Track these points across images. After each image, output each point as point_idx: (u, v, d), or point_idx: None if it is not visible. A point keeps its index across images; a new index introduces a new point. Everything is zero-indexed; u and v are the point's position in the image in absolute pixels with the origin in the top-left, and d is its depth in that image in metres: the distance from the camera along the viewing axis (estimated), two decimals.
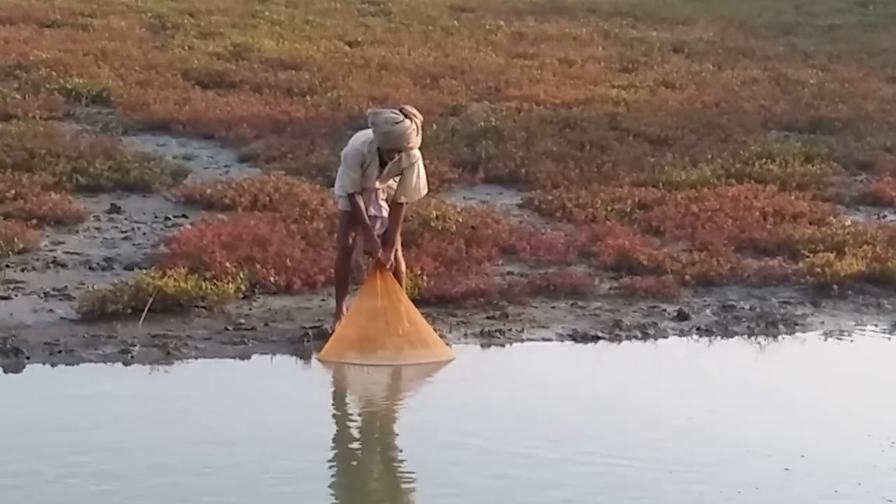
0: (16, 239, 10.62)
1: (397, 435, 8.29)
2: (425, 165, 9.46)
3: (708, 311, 10.28)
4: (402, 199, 9.25)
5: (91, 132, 14.11)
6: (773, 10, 24.50)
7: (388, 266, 9.21)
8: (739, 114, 16.07)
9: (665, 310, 10.24)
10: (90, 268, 10.42)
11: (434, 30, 20.86)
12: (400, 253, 9.45)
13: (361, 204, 9.17)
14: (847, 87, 17.73)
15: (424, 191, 9.39)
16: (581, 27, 21.64)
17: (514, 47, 19.75)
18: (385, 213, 9.29)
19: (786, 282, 10.94)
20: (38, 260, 10.50)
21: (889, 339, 10.04)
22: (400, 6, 23.06)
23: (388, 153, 9.08)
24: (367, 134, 9.17)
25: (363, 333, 9.10)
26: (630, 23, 22.44)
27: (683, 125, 15.27)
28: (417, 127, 9.04)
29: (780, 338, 9.94)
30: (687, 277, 10.76)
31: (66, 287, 9.95)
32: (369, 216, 9.23)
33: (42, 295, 9.81)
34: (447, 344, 9.33)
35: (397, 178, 9.26)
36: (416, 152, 9.17)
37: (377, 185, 9.23)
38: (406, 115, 9.01)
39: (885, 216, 12.79)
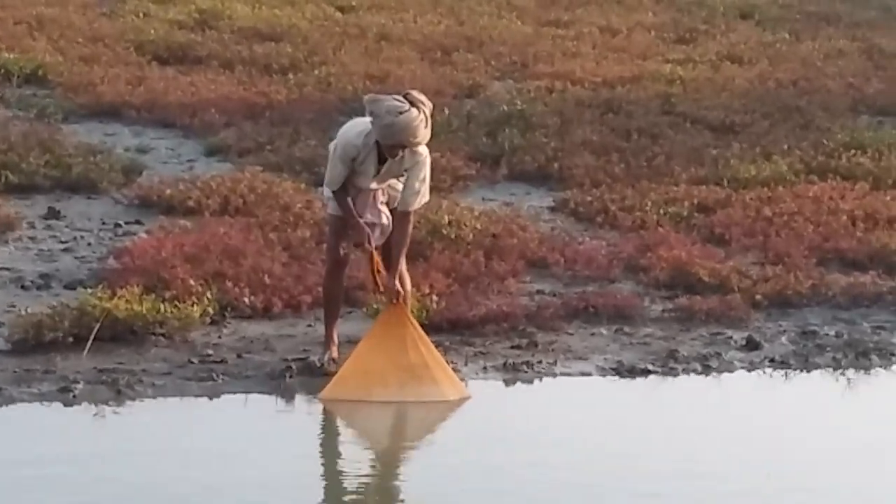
0: None
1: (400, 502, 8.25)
2: (434, 159, 9.46)
3: (784, 339, 10.30)
4: (402, 208, 9.28)
5: (24, 119, 14.17)
6: None
7: (398, 299, 9.26)
8: (822, 94, 16.10)
9: (731, 337, 10.26)
10: (23, 286, 10.46)
11: None
12: (404, 267, 9.47)
13: (349, 199, 9.20)
14: None
15: (426, 197, 9.40)
16: None
17: (544, 13, 19.79)
18: (385, 220, 9.29)
19: (879, 302, 10.95)
20: None
21: None
22: None
23: (389, 149, 9.09)
24: (365, 123, 9.18)
25: (364, 367, 9.12)
26: None
27: (753, 109, 15.31)
28: (426, 117, 9.04)
29: (872, 371, 9.96)
30: (758, 297, 10.77)
31: None
32: (365, 223, 9.24)
33: None
34: (462, 380, 9.36)
35: (401, 179, 9.27)
36: (423, 149, 9.17)
37: (373, 185, 9.25)
38: (412, 104, 9.01)
39: None
